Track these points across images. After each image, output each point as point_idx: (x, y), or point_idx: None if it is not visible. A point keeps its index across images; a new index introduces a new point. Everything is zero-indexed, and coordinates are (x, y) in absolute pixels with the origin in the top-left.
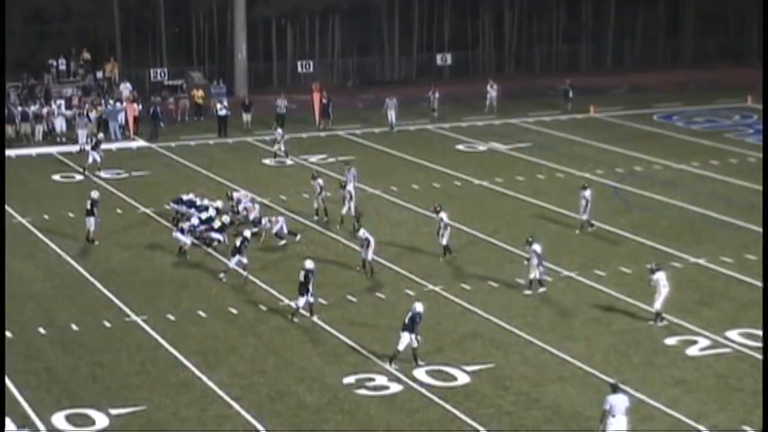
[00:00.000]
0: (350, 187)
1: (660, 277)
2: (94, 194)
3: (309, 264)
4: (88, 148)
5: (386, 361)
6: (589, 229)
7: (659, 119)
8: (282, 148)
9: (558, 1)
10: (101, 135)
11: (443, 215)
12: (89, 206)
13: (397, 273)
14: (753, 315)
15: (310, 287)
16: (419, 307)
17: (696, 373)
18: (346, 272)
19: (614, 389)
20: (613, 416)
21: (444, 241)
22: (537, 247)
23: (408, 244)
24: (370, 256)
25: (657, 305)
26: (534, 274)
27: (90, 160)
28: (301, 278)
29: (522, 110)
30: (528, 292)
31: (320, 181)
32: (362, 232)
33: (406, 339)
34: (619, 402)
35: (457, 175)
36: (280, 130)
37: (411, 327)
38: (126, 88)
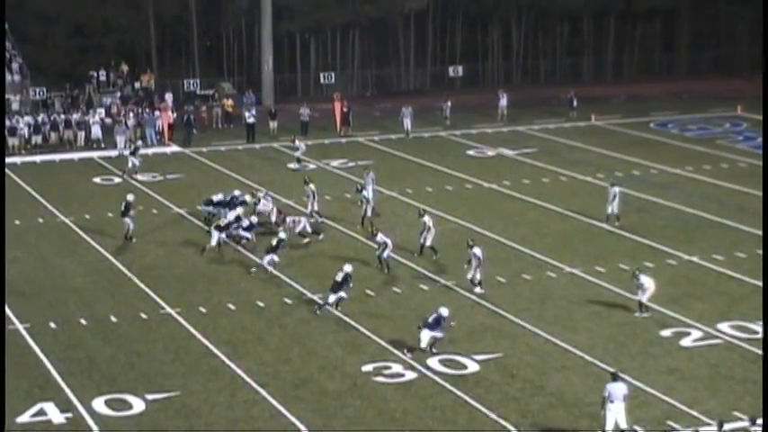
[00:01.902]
0: (368, 191)
1: (645, 280)
2: (130, 197)
3: (348, 267)
4: (127, 153)
5: (403, 350)
6: (616, 223)
7: (655, 126)
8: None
9: (561, 17)
10: (139, 142)
11: (427, 218)
12: (123, 208)
13: (411, 269)
14: (743, 308)
15: (344, 287)
16: (444, 311)
17: (689, 363)
18: (365, 268)
19: (614, 377)
20: (612, 402)
21: (428, 242)
22: (477, 251)
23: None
24: (386, 254)
25: (644, 299)
26: (476, 274)
27: (129, 165)
28: (339, 278)
29: (529, 118)
30: (478, 290)
31: (312, 186)
32: (380, 236)
33: (426, 337)
34: (617, 390)
35: (468, 179)
36: (299, 143)
37: (433, 326)
38: (169, 98)
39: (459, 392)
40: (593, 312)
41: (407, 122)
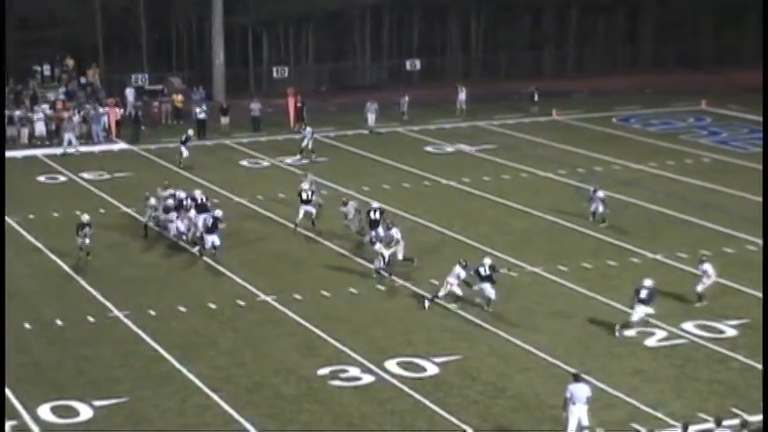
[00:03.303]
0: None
1: (709, 268)
2: (85, 218)
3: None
4: (179, 143)
5: (359, 352)
6: (602, 224)
7: (618, 121)
8: (309, 146)
9: (522, 9)
10: (190, 131)
11: (395, 231)
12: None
13: (368, 269)
14: (708, 307)
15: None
16: (650, 282)
17: (654, 363)
18: (320, 270)
19: (576, 378)
20: (574, 404)
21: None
22: (395, 232)
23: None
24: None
25: (704, 288)
26: (398, 255)
27: (183, 155)
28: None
29: (488, 113)
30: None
31: (352, 204)
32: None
33: (641, 313)
34: (579, 391)
35: (426, 176)
36: (309, 129)
37: (647, 300)
38: (130, 93)
39: (418, 396)
40: (556, 312)
41: (371, 118)
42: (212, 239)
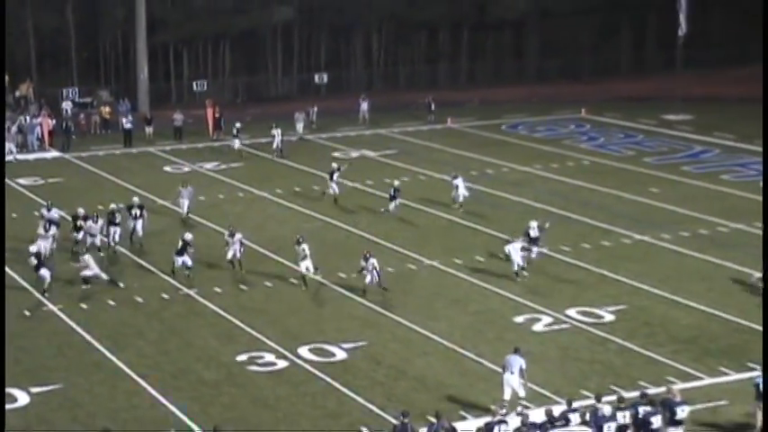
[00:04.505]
0: (184, 205)
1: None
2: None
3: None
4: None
5: (272, 339)
6: (459, 209)
7: (507, 128)
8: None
9: (418, 27)
10: (238, 123)
11: (305, 246)
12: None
13: (282, 264)
14: (589, 296)
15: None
16: None
17: (541, 347)
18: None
19: (515, 350)
20: (511, 373)
21: (303, 270)
22: (305, 247)
23: (292, 238)
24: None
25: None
26: (304, 267)
27: (236, 146)
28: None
29: (389, 121)
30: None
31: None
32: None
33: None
34: (513, 362)
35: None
36: (279, 130)
37: None
38: (68, 106)
39: (328, 379)
40: (453, 301)
41: (300, 126)
42: (183, 260)
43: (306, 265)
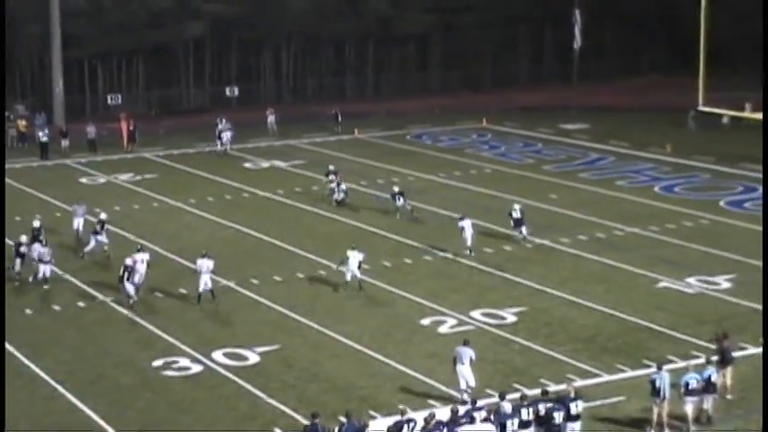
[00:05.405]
0: (78, 222)
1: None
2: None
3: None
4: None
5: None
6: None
7: (411, 138)
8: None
9: (326, 41)
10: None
11: (209, 262)
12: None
13: (195, 271)
14: (492, 298)
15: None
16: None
17: (446, 348)
18: (150, 273)
19: (464, 343)
20: (462, 363)
21: (200, 288)
22: (209, 263)
23: (204, 246)
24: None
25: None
26: (203, 286)
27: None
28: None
29: (298, 132)
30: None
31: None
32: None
33: None
34: (463, 353)
35: (245, 188)
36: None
37: None
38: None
39: (242, 382)
40: (361, 305)
41: (226, 137)
42: (98, 238)
43: (205, 280)
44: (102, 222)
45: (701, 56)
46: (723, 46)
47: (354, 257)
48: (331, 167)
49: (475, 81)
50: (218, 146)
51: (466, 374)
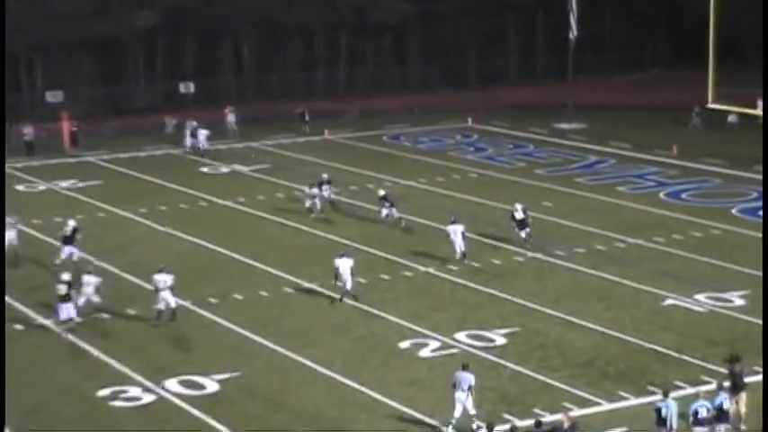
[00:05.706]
0: (12, 235)
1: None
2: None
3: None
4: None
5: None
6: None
7: (388, 139)
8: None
9: (293, 32)
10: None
11: (168, 277)
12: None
13: (145, 288)
14: (479, 317)
15: None
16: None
17: (429, 373)
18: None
19: (464, 367)
20: (462, 390)
21: (162, 306)
22: (167, 278)
23: (158, 262)
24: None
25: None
26: (163, 304)
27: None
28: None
29: (263, 133)
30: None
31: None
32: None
33: None
34: (463, 379)
35: (202, 196)
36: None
37: None
38: None
39: (198, 413)
40: (333, 326)
41: (203, 138)
42: (70, 250)
43: (165, 298)
44: (74, 230)
45: (710, 47)
46: (734, 37)
47: (345, 265)
48: (324, 176)
49: (458, 76)
50: (187, 146)
51: (466, 404)
